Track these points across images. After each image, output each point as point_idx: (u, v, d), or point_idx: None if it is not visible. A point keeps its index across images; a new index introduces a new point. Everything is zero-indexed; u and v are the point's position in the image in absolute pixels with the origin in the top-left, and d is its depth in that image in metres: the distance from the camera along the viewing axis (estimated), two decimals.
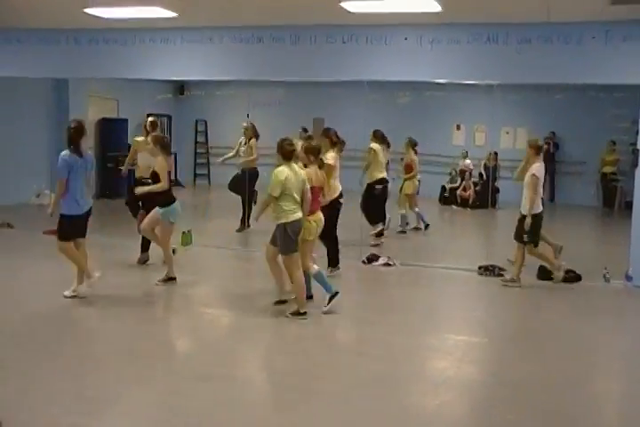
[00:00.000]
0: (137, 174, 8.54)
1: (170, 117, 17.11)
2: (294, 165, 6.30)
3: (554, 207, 16.02)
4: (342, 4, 7.67)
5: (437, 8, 7.64)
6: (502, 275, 8.37)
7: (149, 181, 7.54)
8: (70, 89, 13.97)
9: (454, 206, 15.08)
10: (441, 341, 6.11)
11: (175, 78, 12.68)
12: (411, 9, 7.76)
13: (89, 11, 8.61)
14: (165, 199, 7.16)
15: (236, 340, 5.91)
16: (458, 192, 15.35)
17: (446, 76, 8.81)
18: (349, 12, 7.97)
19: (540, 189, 7.96)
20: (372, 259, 8.93)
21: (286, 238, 6.17)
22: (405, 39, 8.62)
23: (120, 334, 5.90)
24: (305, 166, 6.50)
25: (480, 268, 8.52)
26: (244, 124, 11.13)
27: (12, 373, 4.87)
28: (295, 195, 6.19)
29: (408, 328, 6.32)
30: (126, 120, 15.28)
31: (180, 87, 17.04)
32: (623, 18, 7.69)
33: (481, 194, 14.76)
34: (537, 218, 7.88)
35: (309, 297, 6.63)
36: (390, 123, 15.62)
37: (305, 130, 11.33)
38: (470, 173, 15.51)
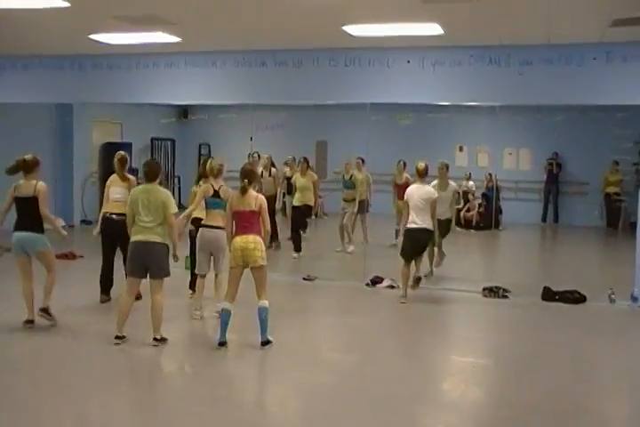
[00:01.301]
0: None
1: (173, 141, 17.19)
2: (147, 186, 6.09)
3: (557, 228, 16.01)
4: (344, 28, 7.75)
5: (439, 31, 7.71)
6: (507, 296, 8.33)
7: (113, 217, 7.23)
8: (74, 114, 14.06)
9: (458, 228, 15.04)
10: (446, 362, 6.07)
11: (178, 102, 12.75)
12: (412, 32, 7.83)
13: (93, 37, 8.71)
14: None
15: (235, 362, 5.87)
16: (461, 214, 15.33)
17: (449, 99, 8.86)
18: (352, 36, 8.05)
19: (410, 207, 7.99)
20: (376, 281, 8.90)
21: None
22: (408, 62, 8.69)
23: (121, 357, 5.87)
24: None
25: (484, 289, 8.48)
26: (265, 156, 11.29)
27: (5, 398, 4.83)
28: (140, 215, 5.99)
29: (412, 350, 6.27)
30: (130, 144, 15.34)
31: (184, 111, 17.14)
32: (623, 39, 7.76)
33: (485, 215, 14.73)
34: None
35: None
36: (393, 145, 15.72)
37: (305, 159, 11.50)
38: (473, 195, 15.51)
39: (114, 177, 7.74)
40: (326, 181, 15.63)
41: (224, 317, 6.02)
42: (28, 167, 6.48)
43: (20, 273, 6.53)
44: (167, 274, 6.10)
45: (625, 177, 14.99)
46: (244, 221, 6.02)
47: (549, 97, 8.38)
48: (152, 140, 16.60)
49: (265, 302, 5.94)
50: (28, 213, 6.42)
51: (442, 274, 9.40)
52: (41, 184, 6.47)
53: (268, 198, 10.67)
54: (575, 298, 8.12)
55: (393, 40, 8.27)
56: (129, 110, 14.65)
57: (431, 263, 9.32)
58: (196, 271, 7.16)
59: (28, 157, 6.59)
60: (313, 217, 12.50)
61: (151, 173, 6.15)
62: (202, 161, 7.31)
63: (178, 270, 7.95)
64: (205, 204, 7.06)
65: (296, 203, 11.22)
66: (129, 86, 10.02)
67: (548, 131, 15.46)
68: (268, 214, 6.17)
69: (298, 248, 10.93)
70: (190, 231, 7.71)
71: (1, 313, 6.93)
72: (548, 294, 8.23)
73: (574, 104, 9.69)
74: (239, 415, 4.65)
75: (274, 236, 10.94)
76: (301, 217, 11.20)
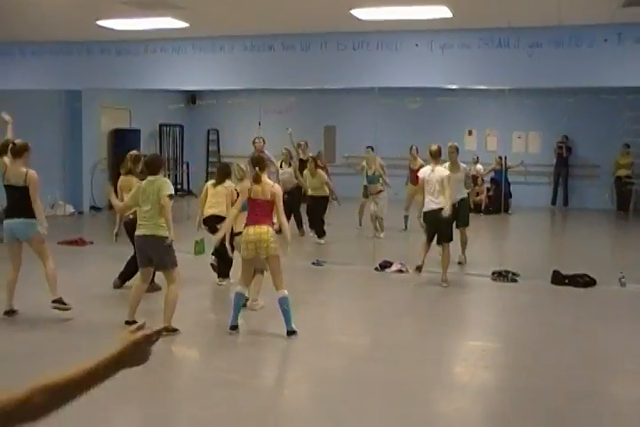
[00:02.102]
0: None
1: (182, 127, 17.19)
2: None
3: (567, 211, 15.96)
4: (352, 12, 7.70)
5: (448, 14, 7.65)
6: (516, 280, 8.33)
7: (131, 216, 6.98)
8: (83, 100, 14.07)
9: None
10: (456, 346, 6.09)
11: (187, 88, 12.74)
12: (421, 15, 7.77)
13: (101, 23, 8.70)
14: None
15: (249, 347, 5.91)
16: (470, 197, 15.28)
17: (457, 82, 8.81)
18: (360, 20, 8.00)
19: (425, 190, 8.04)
20: (385, 266, 8.92)
21: None
22: (416, 45, 8.63)
23: None
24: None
25: (494, 273, 8.48)
26: (284, 151, 11.22)
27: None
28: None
29: (423, 334, 6.30)
30: (139, 130, 15.38)
31: (192, 97, 17.12)
32: (636, 20, 7.67)
33: (494, 199, 14.69)
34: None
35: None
36: (402, 129, 15.68)
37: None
38: (482, 179, 15.46)
39: (128, 179, 7.37)
40: (335, 166, 15.64)
41: (237, 301, 6.02)
42: (16, 152, 6.33)
43: (10, 262, 6.43)
44: (171, 265, 6.05)
45: (636, 160, 14.90)
46: (257, 211, 5.97)
47: (559, 79, 8.32)
48: (160, 126, 16.62)
49: (284, 292, 5.89)
50: (19, 201, 6.31)
51: (451, 258, 9.39)
52: (32, 173, 6.31)
53: (293, 190, 10.76)
54: (585, 282, 8.11)
55: (401, 23, 8.21)
56: (137, 96, 14.67)
57: (463, 250, 9.27)
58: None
59: (17, 141, 6.49)
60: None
61: (153, 167, 6.15)
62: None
63: (189, 257, 8.00)
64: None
65: (311, 193, 11.10)
66: (137, 72, 10.02)
67: (558, 114, 15.35)
68: (282, 204, 6.09)
69: (321, 234, 10.93)
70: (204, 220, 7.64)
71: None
72: (558, 278, 8.22)
73: (584, 86, 9.64)
74: (253, 399, 4.69)
75: (300, 223, 10.96)
76: (319, 206, 11.08)
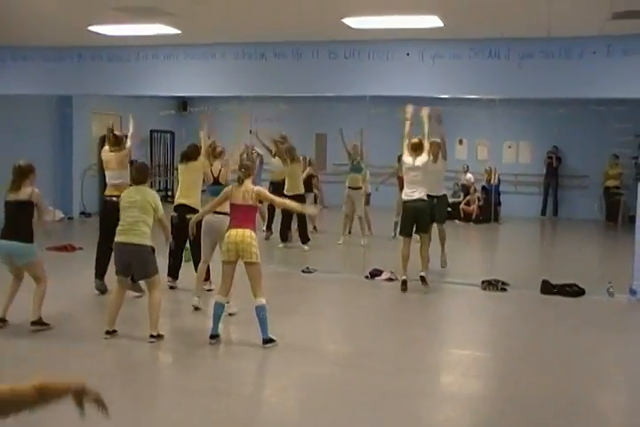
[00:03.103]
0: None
1: (173, 133, 17.18)
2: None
3: (557, 221, 16.03)
4: (344, 20, 7.73)
5: (439, 23, 7.69)
6: (505, 289, 8.35)
7: (114, 199, 6.93)
8: (74, 105, 14.05)
9: (457, 221, 15.06)
10: (445, 355, 6.09)
11: (178, 95, 12.73)
12: (412, 25, 7.80)
13: (93, 28, 8.69)
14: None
15: (235, 355, 5.89)
16: (461, 207, 15.34)
17: (448, 91, 8.84)
18: (351, 28, 8.02)
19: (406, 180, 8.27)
20: (375, 274, 8.92)
21: None
22: (407, 54, 8.67)
23: (119, 350, 5.89)
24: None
25: (483, 282, 8.49)
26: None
27: None
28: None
29: (412, 343, 6.29)
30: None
31: (183, 103, 17.10)
32: (624, 32, 7.74)
33: (484, 209, 14.74)
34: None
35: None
36: (392, 138, 15.68)
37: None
38: (474, 188, 15.52)
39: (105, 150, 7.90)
40: (326, 174, 15.65)
41: (217, 310, 5.95)
42: (22, 173, 6.24)
43: (12, 275, 6.33)
44: (153, 274, 6.03)
45: (624, 171, 14.99)
46: (239, 215, 5.94)
47: (549, 90, 8.37)
48: (151, 132, 16.60)
49: (262, 300, 5.83)
50: (18, 220, 6.11)
51: (439, 260, 9.40)
52: (37, 191, 6.24)
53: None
54: (574, 291, 8.14)
55: (392, 33, 8.25)
56: (128, 102, 14.59)
57: (442, 248, 9.36)
58: (202, 258, 7.15)
59: (22, 162, 6.37)
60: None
61: (140, 177, 6.21)
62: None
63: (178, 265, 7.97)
64: (208, 192, 7.12)
65: (287, 192, 10.98)
66: (128, 78, 10.00)
67: (548, 124, 15.45)
68: (270, 197, 6.21)
69: (305, 239, 10.97)
70: (172, 218, 7.61)
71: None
72: (547, 288, 8.24)
73: (574, 97, 9.69)
74: (239, 408, 4.67)
75: (305, 233, 11.00)
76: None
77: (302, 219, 11.00)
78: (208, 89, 9.79)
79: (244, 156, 11.24)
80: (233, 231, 5.87)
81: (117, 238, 6.02)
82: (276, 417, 4.63)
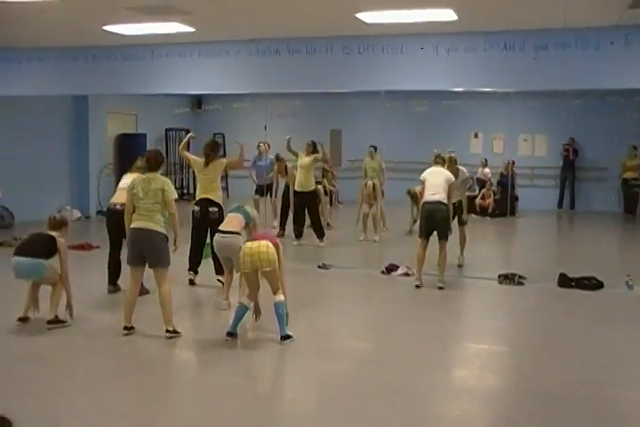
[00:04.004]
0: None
1: (188, 131, 17.19)
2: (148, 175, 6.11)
3: (574, 214, 15.92)
4: (358, 15, 7.71)
5: (453, 17, 7.65)
6: (522, 283, 8.31)
7: (118, 207, 7.09)
8: (90, 105, 14.15)
9: (473, 215, 14.98)
10: (462, 350, 6.07)
11: (192, 92, 12.79)
12: (426, 18, 7.77)
13: (107, 28, 8.74)
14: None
15: (252, 351, 5.90)
16: (477, 201, 15.27)
17: (463, 85, 8.80)
18: (365, 23, 8.01)
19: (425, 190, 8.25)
20: (391, 269, 8.90)
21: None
22: (421, 48, 8.63)
23: (137, 347, 5.93)
24: None
25: (500, 276, 8.45)
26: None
27: (31, 388, 4.89)
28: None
29: (428, 337, 6.27)
30: (145, 135, 15.42)
31: (198, 101, 17.16)
32: None
33: (500, 202, 14.67)
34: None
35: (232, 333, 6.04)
36: (408, 132, 15.69)
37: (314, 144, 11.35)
38: (490, 182, 15.45)
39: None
40: (341, 170, 15.65)
41: (239, 310, 6.00)
42: (55, 226, 6.39)
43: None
44: (166, 263, 6.02)
45: None
46: (255, 232, 6.19)
47: (565, 82, 8.30)
48: (166, 130, 16.67)
49: (280, 297, 5.88)
50: (38, 242, 6.26)
51: (457, 261, 9.37)
52: (63, 242, 6.30)
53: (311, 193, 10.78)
54: (592, 284, 8.07)
55: (406, 27, 8.21)
56: (143, 101, 14.73)
57: (462, 250, 9.35)
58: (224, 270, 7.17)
59: (57, 215, 6.62)
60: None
61: (153, 163, 6.14)
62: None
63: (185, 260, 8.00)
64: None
65: (297, 188, 11.01)
66: (143, 77, 10.05)
67: (564, 116, 15.35)
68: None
69: (320, 234, 10.94)
70: (193, 212, 7.78)
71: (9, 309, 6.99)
72: (565, 281, 8.19)
73: (591, 89, 9.62)
74: (256, 403, 4.69)
75: (319, 228, 10.94)
76: (308, 204, 10.94)
77: (316, 215, 11.00)
78: (222, 86, 9.81)
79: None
80: (249, 244, 5.96)
81: (133, 224, 5.99)
82: (291, 413, 4.64)
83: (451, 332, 6.58)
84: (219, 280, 7.74)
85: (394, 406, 4.62)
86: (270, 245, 5.90)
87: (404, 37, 8.64)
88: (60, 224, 6.43)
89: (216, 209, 7.69)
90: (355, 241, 11.35)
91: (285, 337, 5.88)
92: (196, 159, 8.13)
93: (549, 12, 7.46)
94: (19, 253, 6.19)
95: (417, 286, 8.07)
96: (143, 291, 6.96)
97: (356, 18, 7.78)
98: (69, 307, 6.38)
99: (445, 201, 8.04)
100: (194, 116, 17.38)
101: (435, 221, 8.02)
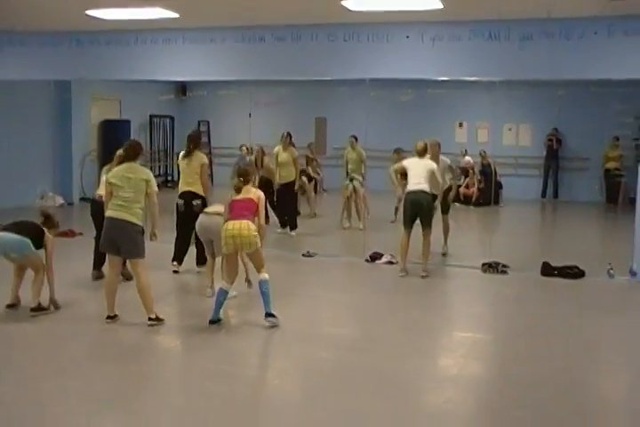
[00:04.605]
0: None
1: (172, 118, 17.13)
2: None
3: (557, 203, 16.03)
4: (343, 3, 7.68)
5: (438, 5, 7.65)
6: (506, 272, 8.37)
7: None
8: (73, 91, 13.99)
9: (457, 204, 15.03)
10: (446, 338, 6.12)
11: (177, 79, 12.69)
12: (411, 7, 7.76)
13: (90, 12, 8.64)
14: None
15: (237, 338, 5.92)
16: (461, 190, 15.32)
17: (448, 74, 8.80)
18: (350, 11, 7.98)
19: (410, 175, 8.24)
20: (375, 257, 8.93)
21: None
22: (407, 37, 8.62)
23: (121, 333, 5.92)
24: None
25: (483, 265, 8.51)
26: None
27: (11, 373, 4.88)
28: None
29: (412, 325, 6.32)
30: (129, 121, 15.30)
31: (183, 88, 17.04)
32: (625, 13, 7.68)
33: (484, 191, 14.74)
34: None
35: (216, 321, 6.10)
36: (392, 121, 15.68)
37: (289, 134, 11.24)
38: (473, 170, 15.49)
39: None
40: (326, 158, 15.64)
41: (219, 295, 5.98)
42: (49, 226, 6.46)
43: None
44: (139, 255, 5.97)
45: (625, 152, 14.98)
46: (238, 208, 5.96)
47: (549, 72, 8.34)
48: (151, 117, 16.55)
49: (265, 275, 5.94)
50: (27, 225, 6.29)
51: (441, 250, 9.42)
52: (52, 239, 6.36)
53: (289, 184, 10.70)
54: (574, 273, 8.16)
55: (392, 15, 8.19)
56: (127, 87, 14.59)
57: (445, 239, 9.37)
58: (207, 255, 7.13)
59: (49, 213, 6.62)
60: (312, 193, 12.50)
61: (131, 152, 6.09)
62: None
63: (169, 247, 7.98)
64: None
65: (280, 181, 10.93)
66: (127, 63, 9.95)
67: (549, 106, 15.40)
68: (264, 208, 6.16)
69: (294, 225, 10.92)
70: (177, 205, 7.82)
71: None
72: (547, 270, 8.27)
73: (575, 79, 9.66)
74: (241, 390, 4.71)
75: (294, 220, 10.92)
76: (288, 195, 10.95)
77: (294, 206, 11.05)
78: (207, 73, 9.75)
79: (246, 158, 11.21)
80: (230, 224, 5.87)
81: (109, 213, 5.93)
82: (277, 400, 4.67)
83: (435, 320, 6.63)
84: (199, 272, 7.75)
85: (378, 393, 4.66)
86: (251, 225, 5.85)
87: (389, 25, 8.63)
88: (52, 224, 6.50)
89: (199, 202, 7.68)
90: (339, 229, 11.38)
91: (270, 315, 5.93)
92: (180, 157, 8.06)
93: (534, 2, 7.47)
94: (5, 229, 6.18)
95: (401, 276, 8.12)
96: (127, 276, 7.00)
97: (342, 6, 7.75)
98: (53, 301, 6.35)
99: (428, 190, 8.09)
100: (178, 103, 17.27)
101: (418, 209, 8.05)
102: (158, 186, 6.32)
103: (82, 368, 5.01)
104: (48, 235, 6.33)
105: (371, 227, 10.60)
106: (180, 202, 7.77)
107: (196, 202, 7.64)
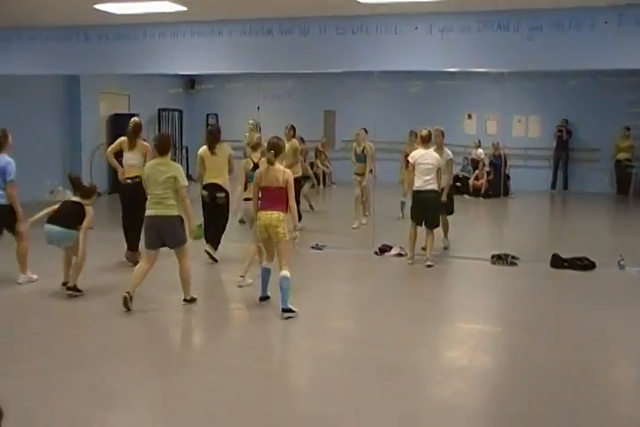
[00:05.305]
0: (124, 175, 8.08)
1: (181, 112, 17.14)
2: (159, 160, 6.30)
3: (567, 195, 15.96)
4: None
5: None
6: (515, 263, 8.35)
7: (128, 181, 7.88)
8: (82, 85, 14.03)
9: (467, 196, 15.02)
10: (454, 330, 6.12)
11: (185, 73, 12.69)
12: None
13: (99, 7, 8.65)
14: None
15: (246, 331, 5.94)
16: (470, 181, 15.29)
17: (457, 65, 8.76)
18: (358, 3, 7.95)
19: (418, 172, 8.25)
20: (384, 249, 8.93)
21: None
22: (415, 28, 8.58)
23: (130, 328, 5.95)
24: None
25: (493, 256, 8.49)
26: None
27: (25, 367, 4.92)
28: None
29: (421, 318, 6.32)
30: (137, 115, 15.30)
31: (191, 81, 17.05)
32: (636, 1, 7.60)
33: (494, 183, 14.69)
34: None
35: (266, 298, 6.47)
36: (401, 113, 15.63)
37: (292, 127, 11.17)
38: (483, 163, 15.45)
39: (122, 141, 8.05)
40: (335, 151, 15.63)
41: (264, 275, 6.35)
42: (84, 194, 6.82)
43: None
44: (183, 242, 6.31)
45: (636, 143, 14.89)
46: (269, 197, 6.12)
47: (559, 62, 8.28)
48: (159, 110, 16.57)
49: (286, 272, 6.09)
50: (68, 212, 6.64)
51: (450, 241, 9.40)
52: (90, 209, 6.68)
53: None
54: (584, 265, 8.13)
55: (400, 6, 8.16)
56: (136, 81, 14.61)
57: (445, 234, 9.32)
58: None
59: (86, 184, 7.09)
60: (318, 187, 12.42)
61: (162, 147, 6.32)
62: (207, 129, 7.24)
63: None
64: (246, 177, 7.41)
65: None
66: (135, 57, 9.97)
67: (558, 97, 15.32)
68: (293, 190, 6.21)
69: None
70: (202, 196, 8.15)
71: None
72: (557, 261, 8.24)
73: (585, 69, 9.58)
74: (251, 383, 4.72)
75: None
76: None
77: (297, 197, 10.86)
78: (215, 66, 9.75)
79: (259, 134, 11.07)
80: (262, 214, 6.11)
81: (148, 212, 6.25)
82: (284, 393, 4.66)
83: (444, 312, 6.63)
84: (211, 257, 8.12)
85: (386, 385, 4.67)
86: (283, 216, 6.08)
87: (398, 17, 8.59)
88: (89, 193, 6.86)
89: (223, 195, 8.07)
90: (348, 222, 11.35)
91: (287, 310, 6.05)
92: (202, 151, 8.26)
93: None
94: (51, 221, 6.58)
95: (410, 264, 8.23)
96: (133, 260, 7.56)
97: None
98: (77, 270, 6.66)
99: (437, 188, 8.17)
100: (187, 97, 17.28)
101: (425, 210, 8.16)
102: None
103: (96, 361, 5.05)
104: (88, 208, 6.65)
105: (379, 221, 10.56)
106: (205, 193, 8.14)
107: (220, 195, 8.03)
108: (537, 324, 6.17)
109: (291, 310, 6.06)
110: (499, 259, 8.44)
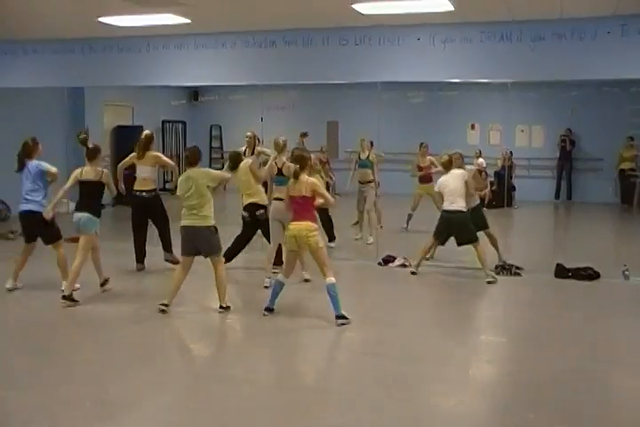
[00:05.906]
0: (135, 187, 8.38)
1: (184, 123, 17.19)
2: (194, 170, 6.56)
3: (571, 205, 15.94)
4: (354, 6, 7.68)
5: (449, 7, 7.63)
6: (519, 274, 8.33)
7: (144, 194, 8.20)
8: (86, 97, 14.09)
9: None
10: (458, 340, 6.09)
11: (189, 84, 12.75)
12: (422, 9, 7.75)
13: (103, 19, 8.70)
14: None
15: (251, 342, 5.93)
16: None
17: (460, 76, 8.78)
18: (361, 14, 7.98)
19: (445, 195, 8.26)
20: (388, 260, 8.92)
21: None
22: (418, 39, 8.61)
23: (133, 339, 5.94)
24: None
25: (497, 267, 8.47)
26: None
27: (28, 379, 4.91)
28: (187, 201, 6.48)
29: (426, 328, 6.30)
30: (141, 127, 15.33)
31: (194, 93, 17.12)
32: (639, 11, 7.62)
33: (498, 193, 14.66)
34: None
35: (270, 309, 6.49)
36: (405, 124, 15.67)
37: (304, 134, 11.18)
38: (486, 173, 15.41)
39: (133, 156, 8.47)
40: (338, 161, 15.64)
41: (276, 287, 6.43)
42: (90, 155, 7.18)
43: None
44: (218, 251, 6.62)
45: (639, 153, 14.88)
46: (297, 207, 6.32)
47: (562, 73, 8.29)
48: (163, 122, 16.62)
49: (331, 279, 6.20)
50: (89, 196, 7.08)
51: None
52: (106, 171, 7.14)
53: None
54: (589, 275, 8.10)
55: (403, 18, 8.19)
56: (140, 93, 14.65)
57: (497, 249, 8.87)
58: (271, 242, 7.64)
59: (91, 145, 7.27)
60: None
61: (191, 158, 6.59)
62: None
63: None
64: (271, 182, 7.72)
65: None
66: (139, 69, 10.02)
67: (561, 107, 15.33)
68: (325, 191, 6.50)
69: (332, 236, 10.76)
70: (242, 217, 8.18)
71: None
72: (562, 271, 8.21)
73: (588, 79, 9.60)
74: (255, 394, 4.70)
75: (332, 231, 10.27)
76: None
77: (327, 216, 10.14)
78: (219, 78, 9.80)
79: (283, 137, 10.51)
80: (292, 225, 6.30)
81: (183, 222, 6.52)
82: (290, 404, 4.64)
83: (448, 322, 6.61)
84: (275, 272, 7.58)
85: (392, 396, 4.64)
86: (312, 227, 6.25)
87: (400, 28, 8.62)
88: (94, 153, 7.16)
89: (262, 211, 8.05)
90: (351, 232, 11.34)
91: (341, 317, 6.15)
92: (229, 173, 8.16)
93: (545, 3, 7.45)
94: (79, 208, 7.08)
95: (412, 273, 8.25)
96: (174, 260, 8.03)
97: (353, 9, 7.75)
98: (74, 276, 6.88)
99: (464, 208, 8.13)
100: (190, 108, 17.35)
101: (453, 228, 8.12)
102: (171, 191, 6.73)
103: (99, 372, 5.03)
104: (104, 175, 7.07)
105: (383, 232, 10.55)
106: (245, 214, 8.16)
107: (260, 212, 8.01)
108: (541, 334, 6.15)
109: (344, 317, 6.15)
110: (503, 269, 8.42)
